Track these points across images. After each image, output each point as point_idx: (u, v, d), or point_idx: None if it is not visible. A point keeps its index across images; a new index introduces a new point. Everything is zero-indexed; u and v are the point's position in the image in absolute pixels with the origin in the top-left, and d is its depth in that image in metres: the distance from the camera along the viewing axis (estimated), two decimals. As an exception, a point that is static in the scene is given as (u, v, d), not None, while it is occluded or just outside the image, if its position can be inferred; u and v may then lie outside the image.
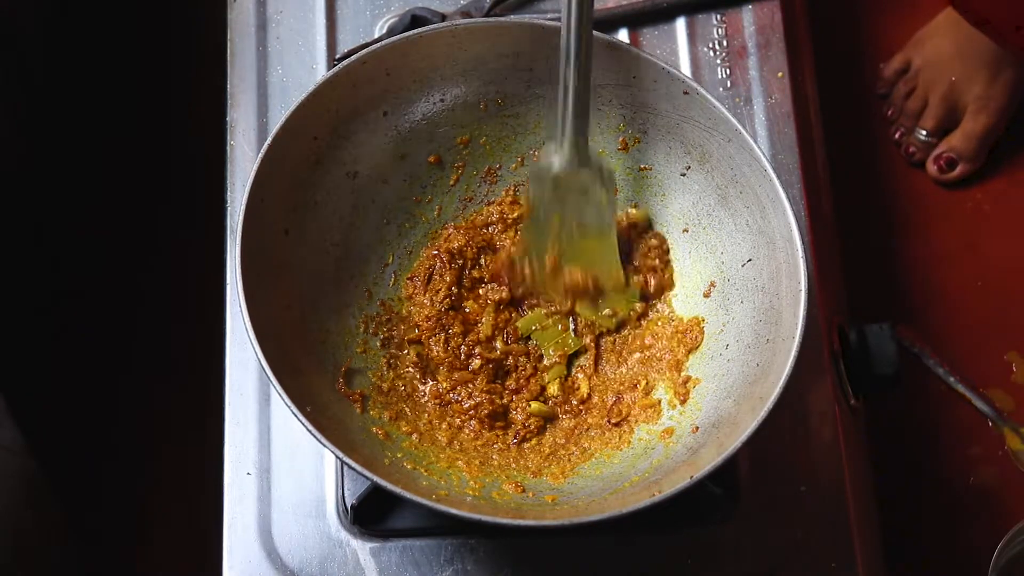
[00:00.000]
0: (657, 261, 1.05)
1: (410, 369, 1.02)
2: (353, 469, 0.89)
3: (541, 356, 1.05)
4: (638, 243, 1.06)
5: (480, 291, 1.05)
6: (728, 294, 1.02)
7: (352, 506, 1.02)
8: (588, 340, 1.05)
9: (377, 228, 1.05)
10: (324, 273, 1.02)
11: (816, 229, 1.15)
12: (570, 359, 1.05)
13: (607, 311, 1.05)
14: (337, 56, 1.17)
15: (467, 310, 1.05)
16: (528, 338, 1.05)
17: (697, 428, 0.98)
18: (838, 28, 1.48)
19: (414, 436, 0.99)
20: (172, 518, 1.34)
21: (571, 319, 1.06)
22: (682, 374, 1.01)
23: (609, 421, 1.02)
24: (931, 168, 1.43)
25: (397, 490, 0.89)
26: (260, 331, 0.91)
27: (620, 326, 1.05)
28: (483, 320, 1.04)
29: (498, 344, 1.04)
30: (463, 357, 1.03)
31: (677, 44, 1.19)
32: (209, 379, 1.11)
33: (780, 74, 1.18)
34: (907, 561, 1.24)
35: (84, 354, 1.41)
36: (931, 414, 1.33)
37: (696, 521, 1.04)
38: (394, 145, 1.04)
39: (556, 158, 0.99)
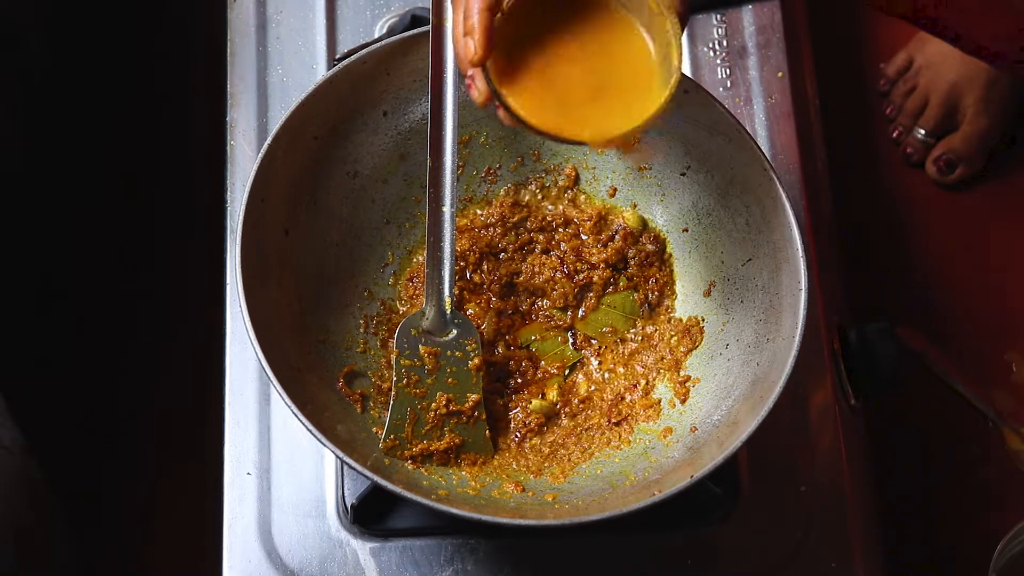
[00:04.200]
0: (654, 268, 1.05)
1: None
2: (353, 469, 0.89)
3: (542, 360, 1.05)
4: (633, 251, 1.06)
5: (483, 296, 1.05)
6: (728, 294, 1.02)
7: (352, 506, 1.02)
8: (587, 353, 1.05)
9: (377, 228, 1.05)
10: (324, 273, 1.02)
11: (816, 229, 1.15)
12: (569, 366, 1.05)
13: (607, 328, 1.05)
14: (337, 56, 1.17)
15: (469, 312, 1.05)
16: (528, 346, 1.06)
17: (696, 428, 0.98)
18: (838, 28, 1.48)
19: (414, 436, 0.99)
20: (172, 518, 1.34)
21: (570, 333, 1.06)
22: (682, 374, 1.02)
23: (609, 421, 1.02)
24: (931, 169, 1.43)
25: (397, 490, 0.89)
26: (260, 331, 0.91)
27: (619, 341, 1.05)
28: (485, 324, 1.04)
29: (500, 348, 1.04)
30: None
31: (677, 44, 1.19)
32: (209, 379, 1.11)
33: (780, 74, 1.18)
34: (907, 561, 1.24)
35: (84, 354, 1.40)
36: (931, 414, 1.33)
37: (696, 521, 1.04)
38: (394, 145, 1.04)
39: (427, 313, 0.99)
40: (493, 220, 1.07)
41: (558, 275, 1.05)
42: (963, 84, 1.40)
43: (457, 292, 1.04)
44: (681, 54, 0.85)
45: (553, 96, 0.87)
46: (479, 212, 1.07)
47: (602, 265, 1.05)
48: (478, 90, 0.85)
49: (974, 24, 1.02)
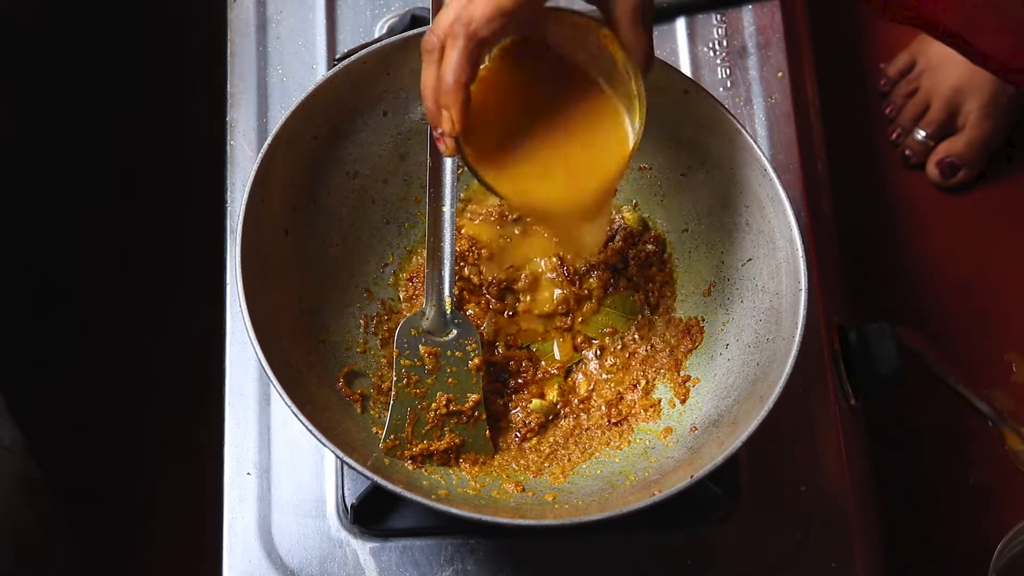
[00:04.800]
0: (654, 268, 1.05)
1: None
2: (353, 469, 0.89)
3: (542, 360, 1.05)
4: (634, 251, 1.06)
5: (482, 296, 1.05)
6: (728, 294, 1.02)
7: (352, 506, 1.02)
8: (587, 353, 1.05)
9: (377, 228, 1.05)
10: (324, 273, 1.02)
11: (816, 229, 1.15)
12: (569, 366, 1.05)
13: (607, 329, 1.05)
14: (337, 56, 1.17)
15: (469, 312, 1.05)
16: (529, 346, 1.05)
17: (696, 428, 0.98)
18: (838, 28, 1.48)
19: (414, 436, 0.99)
20: (172, 518, 1.34)
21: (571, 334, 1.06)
22: (682, 374, 1.01)
23: (609, 421, 1.02)
24: (932, 172, 1.42)
25: (397, 490, 0.89)
26: (260, 331, 0.91)
27: (619, 342, 1.05)
28: (485, 324, 1.04)
29: (500, 348, 1.04)
30: (463, 357, 1.03)
31: (677, 44, 1.19)
32: (209, 379, 1.11)
33: (780, 74, 1.18)
34: (907, 561, 1.24)
35: (84, 354, 1.41)
36: (931, 414, 1.33)
37: (696, 521, 1.04)
38: (394, 145, 1.04)
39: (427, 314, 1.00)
40: (493, 220, 1.07)
41: (558, 276, 1.05)
42: (966, 88, 1.39)
43: (457, 292, 1.04)
44: (644, 116, 0.86)
45: (522, 168, 0.88)
46: (479, 212, 1.07)
47: (602, 266, 1.05)
48: (446, 146, 0.85)
49: (971, 29, 1.02)
